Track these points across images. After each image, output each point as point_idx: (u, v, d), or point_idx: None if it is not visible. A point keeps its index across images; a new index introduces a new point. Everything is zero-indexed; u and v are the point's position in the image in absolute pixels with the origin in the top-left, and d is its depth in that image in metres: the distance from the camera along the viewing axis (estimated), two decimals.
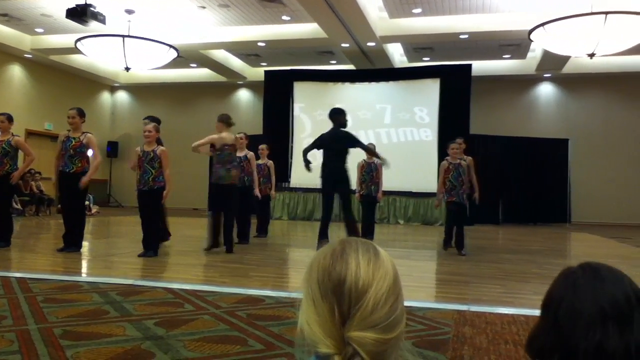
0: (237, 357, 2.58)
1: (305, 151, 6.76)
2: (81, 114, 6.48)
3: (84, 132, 6.44)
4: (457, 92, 13.83)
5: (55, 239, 7.47)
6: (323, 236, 6.32)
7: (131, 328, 3.02)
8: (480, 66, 14.71)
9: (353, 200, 7.19)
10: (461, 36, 12.21)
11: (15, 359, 2.46)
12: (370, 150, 7.47)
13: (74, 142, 6.33)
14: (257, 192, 8.03)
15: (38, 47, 14.20)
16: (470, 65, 14.03)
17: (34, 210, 13.32)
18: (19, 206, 12.74)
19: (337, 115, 6.68)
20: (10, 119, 6.73)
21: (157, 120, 6.88)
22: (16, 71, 15.01)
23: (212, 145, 6.73)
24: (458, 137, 7.44)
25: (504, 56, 14.72)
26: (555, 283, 1.03)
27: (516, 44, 13.33)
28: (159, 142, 6.45)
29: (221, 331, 3.01)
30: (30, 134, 15.09)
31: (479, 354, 2.69)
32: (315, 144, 6.77)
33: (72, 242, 6.32)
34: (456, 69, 14.10)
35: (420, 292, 4.42)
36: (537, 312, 3.46)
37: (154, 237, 6.22)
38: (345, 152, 6.65)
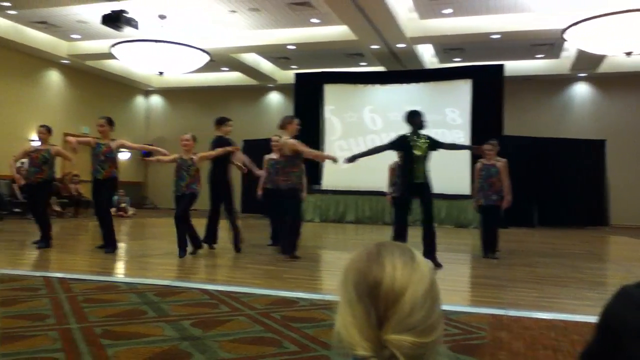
0: (273, 358, 2.60)
1: (377, 149, 6.36)
2: (110, 122, 6.86)
3: (112, 139, 6.80)
4: (489, 93, 13.65)
5: (94, 241, 7.66)
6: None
7: (168, 328, 3.08)
8: (513, 66, 14.50)
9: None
10: (493, 36, 12.06)
11: (59, 357, 2.53)
12: (454, 147, 6.98)
13: (103, 148, 6.66)
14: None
15: (74, 53, 14.58)
16: (502, 65, 13.83)
17: (72, 212, 13.66)
18: (58, 208, 13.09)
19: (414, 117, 6.26)
20: (49, 130, 7.23)
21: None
22: (54, 76, 15.42)
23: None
24: (491, 139, 7.32)
25: (536, 56, 14.48)
26: (613, 302, 1.00)
27: (549, 44, 13.10)
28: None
29: (256, 332, 3.04)
30: (68, 137, 15.47)
31: None
32: (393, 146, 6.32)
33: (109, 243, 6.59)
34: (488, 70, 13.92)
35: (454, 296, 4.38)
36: (576, 318, 3.40)
37: (192, 238, 6.51)
38: (425, 155, 6.22)
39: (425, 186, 6.11)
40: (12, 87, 13.97)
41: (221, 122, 7.32)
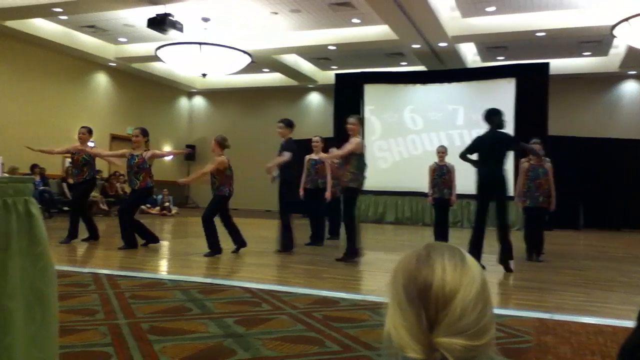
0: (315, 357, 2.62)
1: (462, 155, 6.13)
2: (144, 133, 7.10)
3: (146, 150, 7.03)
4: (534, 92, 13.34)
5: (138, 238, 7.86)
6: (476, 247, 5.71)
7: (212, 325, 3.14)
8: (558, 64, 14.12)
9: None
10: (538, 34, 11.79)
11: (109, 351, 2.62)
12: (533, 150, 6.67)
13: (137, 160, 6.88)
14: (328, 194, 8.06)
15: (121, 56, 15.00)
16: (547, 63, 13.49)
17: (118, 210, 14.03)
18: (105, 207, 13.50)
19: (494, 116, 6.16)
20: (90, 131, 7.58)
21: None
22: (101, 79, 15.90)
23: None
24: (535, 138, 7.15)
25: (583, 53, 14.07)
26: None
27: (597, 41, 12.71)
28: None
29: (298, 331, 3.07)
30: (114, 138, 15.95)
31: None
32: (472, 147, 6.13)
33: (151, 239, 7.02)
34: (532, 68, 13.60)
35: (498, 299, 4.31)
36: (626, 324, 3.30)
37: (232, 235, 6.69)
38: (504, 156, 6.06)
39: (501, 187, 5.93)
40: (63, 89, 14.48)
41: (292, 124, 7.39)
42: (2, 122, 12.54)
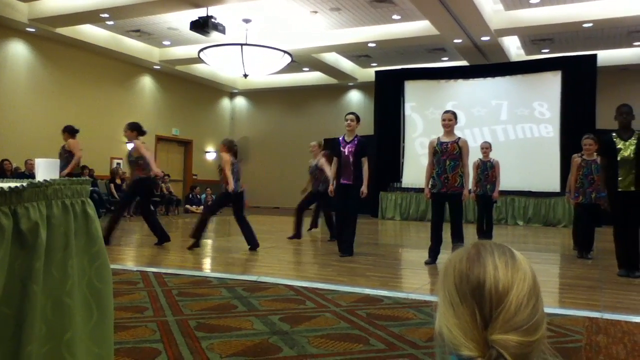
0: (360, 355, 2.63)
1: None
2: (133, 128, 7.15)
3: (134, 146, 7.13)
4: (581, 85, 12.96)
5: (183, 237, 8.04)
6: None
7: (258, 322, 3.18)
8: (606, 55, 13.67)
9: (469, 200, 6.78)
10: (585, 25, 11.43)
11: (158, 347, 2.70)
12: None
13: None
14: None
15: (165, 59, 15.35)
16: (595, 55, 13.10)
17: (163, 210, 14.38)
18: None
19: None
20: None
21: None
22: (147, 81, 16.31)
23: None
24: (586, 133, 6.93)
25: (634, 44, 13.56)
26: None
27: None
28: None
29: (343, 329, 3.08)
30: (159, 139, 16.34)
31: None
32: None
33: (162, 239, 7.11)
34: (579, 60, 13.22)
35: (547, 298, 4.19)
36: None
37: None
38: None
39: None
40: (111, 93, 14.93)
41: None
42: (53, 126, 13.01)
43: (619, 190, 5.26)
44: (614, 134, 5.43)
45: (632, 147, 5.25)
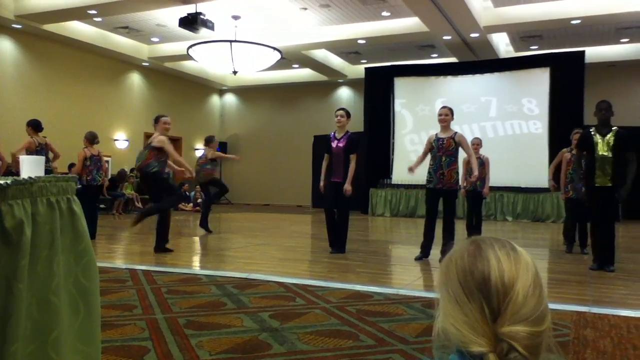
0: (350, 351, 2.63)
1: None
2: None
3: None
4: (569, 81, 13.05)
5: (173, 235, 8.00)
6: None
7: (248, 320, 3.18)
8: (594, 52, 13.77)
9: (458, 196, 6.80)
10: (573, 21, 11.50)
11: (147, 345, 2.68)
12: None
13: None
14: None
15: (154, 55, 15.26)
16: (583, 52, 13.18)
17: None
18: (139, 204, 13.76)
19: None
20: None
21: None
22: (135, 78, 16.20)
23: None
24: (576, 128, 6.99)
25: (621, 40, 13.67)
26: None
27: (636, 27, 12.32)
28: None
29: (333, 325, 3.08)
30: (148, 136, 16.22)
31: (604, 359, 2.55)
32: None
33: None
34: (567, 57, 13.29)
35: None
36: None
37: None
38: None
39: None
40: (99, 90, 14.80)
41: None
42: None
43: (596, 185, 5.31)
44: (592, 130, 5.48)
45: (610, 143, 5.30)
